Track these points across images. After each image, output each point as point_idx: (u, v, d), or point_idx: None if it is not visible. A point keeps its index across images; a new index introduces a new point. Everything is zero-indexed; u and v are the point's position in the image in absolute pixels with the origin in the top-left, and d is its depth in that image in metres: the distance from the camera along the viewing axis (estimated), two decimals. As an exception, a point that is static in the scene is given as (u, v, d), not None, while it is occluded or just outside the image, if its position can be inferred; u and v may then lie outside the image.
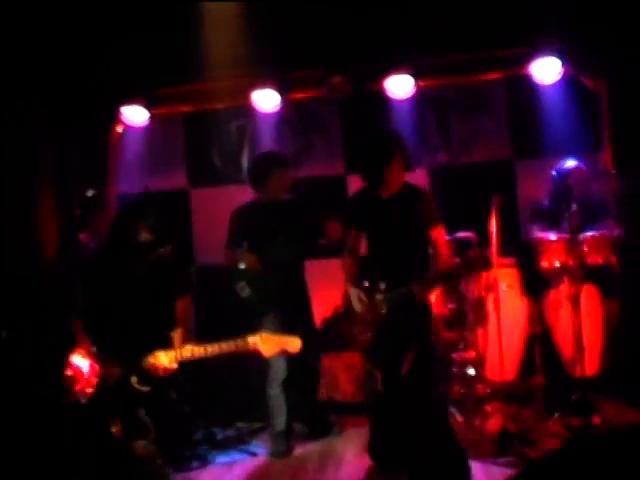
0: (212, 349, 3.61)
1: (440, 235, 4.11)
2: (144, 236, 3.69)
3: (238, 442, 5.41)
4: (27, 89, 5.69)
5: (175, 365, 3.62)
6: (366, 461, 4.65)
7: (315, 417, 5.41)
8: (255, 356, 6.35)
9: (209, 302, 5.83)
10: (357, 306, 4.07)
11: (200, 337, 3.77)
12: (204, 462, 5.06)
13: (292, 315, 4.93)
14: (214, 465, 5.05)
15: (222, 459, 5.14)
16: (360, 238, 4.36)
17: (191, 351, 3.63)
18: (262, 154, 5.43)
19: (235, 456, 5.18)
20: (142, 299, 3.75)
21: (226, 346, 3.61)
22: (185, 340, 3.74)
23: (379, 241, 4.18)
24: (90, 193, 4.88)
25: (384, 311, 3.98)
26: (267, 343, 3.62)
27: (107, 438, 3.52)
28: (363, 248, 4.43)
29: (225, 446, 5.33)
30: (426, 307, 4.25)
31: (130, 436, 3.57)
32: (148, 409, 3.63)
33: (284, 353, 3.75)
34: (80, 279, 3.86)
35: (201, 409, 5.47)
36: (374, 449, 4.43)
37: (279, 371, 5.04)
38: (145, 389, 3.61)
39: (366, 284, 4.07)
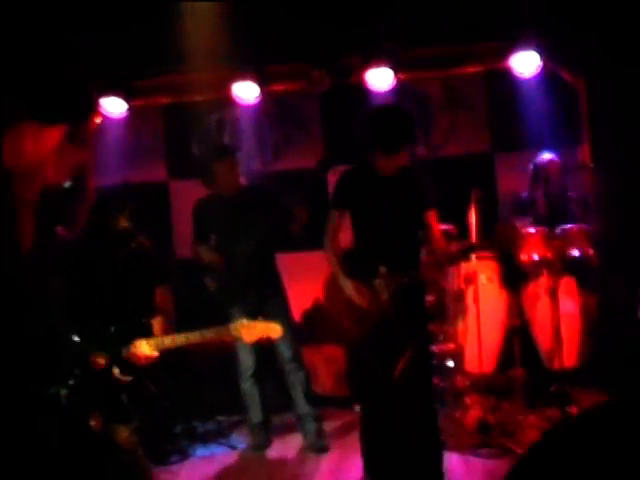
0: (194, 337, 3.60)
1: (434, 219, 3.93)
2: (122, 224, 3.67)
3: (218, 435, 5.40)
4: (6, 83, 5.62)
5: (156, 354, 3.60)
6: (346, 454, 4.67)
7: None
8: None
9: (189, 295, 5.79)
10: (355, 297, 3.84)
11: (181, 329, 3.75)
12: (184, 456, 5.05)
13: (261, 307, 4.74)
14: (194, 458, 5.04)
15: (202, 452, 5.13)
16: (343, 220, 4.01)
17: (172, 339, 3.62)
18: (204, 148, 5.29)
19: (215, 449, 5.18)
20: (121, 286, 3.72)
21: (208, 334, 3.60)
22: (166, 329, 3.72)
23: (372, 222, 3.89)
24: (67, 185, 4.83)
25: (386, 296, 3.81)
26: (248, 330, 3.62)
27: (86, 431, 3.50)
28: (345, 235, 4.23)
29: (205, 439, 5.32)
30: (424, 295, 4.13)
31: (112, 422, 3.55)
32: (129, 400, 3.62)
33: (266, 339, 3.73)
34: (59, 267, 3.82)
35: (181, 402, 5.46)
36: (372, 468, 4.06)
37: (247, 362, 5.01)
38: (126, 379, 3.60)
39: (362, 271, 3.82)
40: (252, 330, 3.63)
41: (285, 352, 4.96)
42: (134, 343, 3.58)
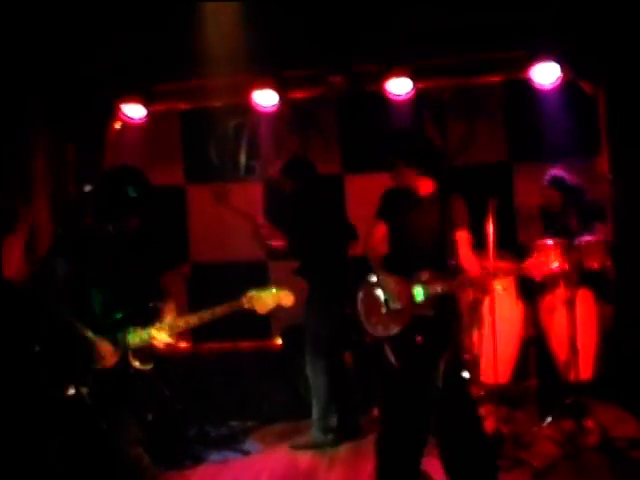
0: (206, 315, 3.58)
1: (464, 239, 4.04)
2: (131, 192, 3.60)
3: (231, 441, 5.41)
4: (24, 84, 5.66)
5: (174, 339, 3.57)
6: (359, 464, 4.68)
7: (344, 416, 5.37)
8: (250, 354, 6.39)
9: (203, 300, 5.80)
10: (396, 292, 3.93)
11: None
12: (197, 460, 5.06)
13: None
14: (207, 463, 5.05)
15: (215, 457, 5.14)
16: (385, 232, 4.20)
17: (185, 320, 3.59)
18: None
19: (228, 455, 5.18)
20: (130, 266, 3.67)
21: (220, 309, 3.58)
22: (178, 313, 3.69)
23: (408, 236, 4.06)
24: (87, 188, 4.85)
25: (423, 302, 3.91)
26: (260, 300, 3.62)
27: (98, 435, 3.48)
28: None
29: (218, 444, 5.32)
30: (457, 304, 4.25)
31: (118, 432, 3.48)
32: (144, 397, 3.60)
33: (278, 307, 3.72)
34: (69, 251, 3.73)
35: (194, 407, 5.47)
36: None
37: None
38: (147, 367, 3.56)
39: (403, 274, 3.95)
40: (264, 300, 3.63)
41: None
42: (150, 333, 3.55)
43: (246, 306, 3.60)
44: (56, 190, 6.05)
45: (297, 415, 5.69)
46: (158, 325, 3.56)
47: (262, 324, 6.28)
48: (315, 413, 5.24)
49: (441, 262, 3.98)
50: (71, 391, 3.46)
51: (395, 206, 4.11)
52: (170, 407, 5.13)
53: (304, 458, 5.02)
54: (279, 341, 6.30)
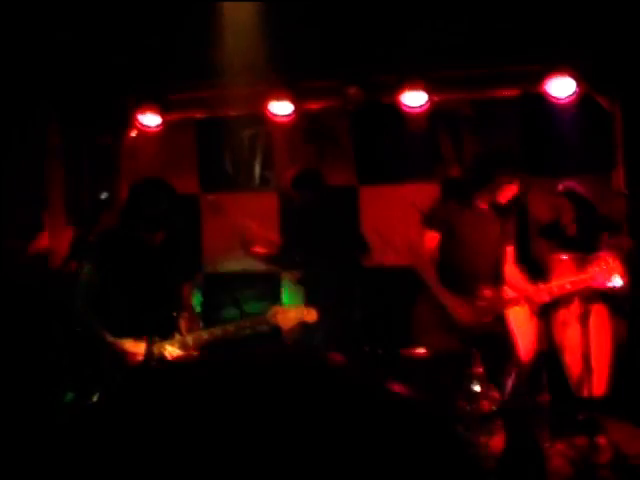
0: (230, 328, 3.58)
1: (510, 255, 4.08)
2: (156, 208, 3.63)
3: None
4: (40, 92, 5.70)
5: (183, 352, 3.56)
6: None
7: None
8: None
9: (215, 312, 5.80)
10: (458, 311, 3.96)
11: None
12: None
13: None
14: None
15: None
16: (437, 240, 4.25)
17: (209, 332, 3.59)
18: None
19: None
20: (152, 277, 3.68)
21: (243, 323, 3.58)
22: (193, 324, 3.69)
23: (464, 247, 4.11)
24: (104, 196, 4.87)
25: (489, 320, 3.92)
26: (284, 315, 3.61)
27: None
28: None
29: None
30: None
31: None
32: None
33: (302, 323, 3.72)
34: (89, 258, 3.73)
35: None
36: None
37: None
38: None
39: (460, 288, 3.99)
40: (288, 315, 3.62)
41: None
42: (159, 345, 3.54)
43: (270, 321, 3.59)
44: (72, 196, 6.08)
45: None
46: (176, 339, 3.57)
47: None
48: None
49: (497, 277, 4.01)
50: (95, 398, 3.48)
51: (450, 216, 4.14)
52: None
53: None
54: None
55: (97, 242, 3.87)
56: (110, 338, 3.53)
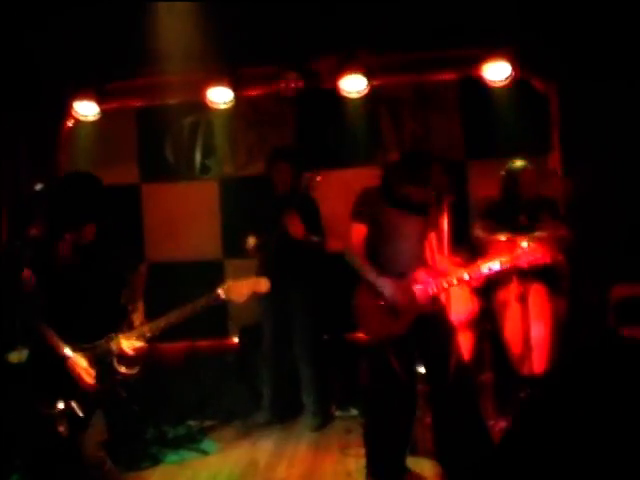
0: (185, 310, 3.56)
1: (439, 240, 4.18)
2: (86, 199, 3.53)
3: (189, 440, 5.38)
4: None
5: (143, 342, 3.53)
6: (318, 462, 4.70)
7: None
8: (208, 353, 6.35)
9: (160, 300, 5.75)
10: (394, 295, 3.98)
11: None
12: (155, 461, 5.02)
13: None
14: (165, 464, 5.02)
15: (173, 458, 5.10)
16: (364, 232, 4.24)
17: (165, 318, 3.57)
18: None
19: (186, 455, 5.15)
20: (91, 272, 3.60)
21: (197, 303, 3.57)
22: (145, 316, 3.65)
23: (389, 239, 4.13)
24: (39, 187, 4.78)
25: (426, 302, 4.02)
26: (236, 290, 3.61)
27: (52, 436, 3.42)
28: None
29: (176, 445, 5.29)
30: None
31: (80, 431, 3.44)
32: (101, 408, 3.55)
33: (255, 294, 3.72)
34: (30, 266, 3.67)
35: (151, 407, 5.42)
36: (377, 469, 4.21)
37: None
38: (134, 372, 3.52)
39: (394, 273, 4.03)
40: (239, 289, 3.62)
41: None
42: (116, 341, 3.50)
43: (222, 297, 3.59)
44: (7, 187, 5.96)
45: (255, 413, 5.69)
46: (127, 330, 3.53)
47: (219, 323, 6.28)
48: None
49: (423, 260, 4.07)
50: (60, 406, 3.42)
51: (377, 206, 4.15)
52: (127, 408, 5.07)
53: (263, 456, 5.02)
54: (236, 340, 6.29)
55: (35, 252, 3.77)
56: (65, 352, 3.46)
